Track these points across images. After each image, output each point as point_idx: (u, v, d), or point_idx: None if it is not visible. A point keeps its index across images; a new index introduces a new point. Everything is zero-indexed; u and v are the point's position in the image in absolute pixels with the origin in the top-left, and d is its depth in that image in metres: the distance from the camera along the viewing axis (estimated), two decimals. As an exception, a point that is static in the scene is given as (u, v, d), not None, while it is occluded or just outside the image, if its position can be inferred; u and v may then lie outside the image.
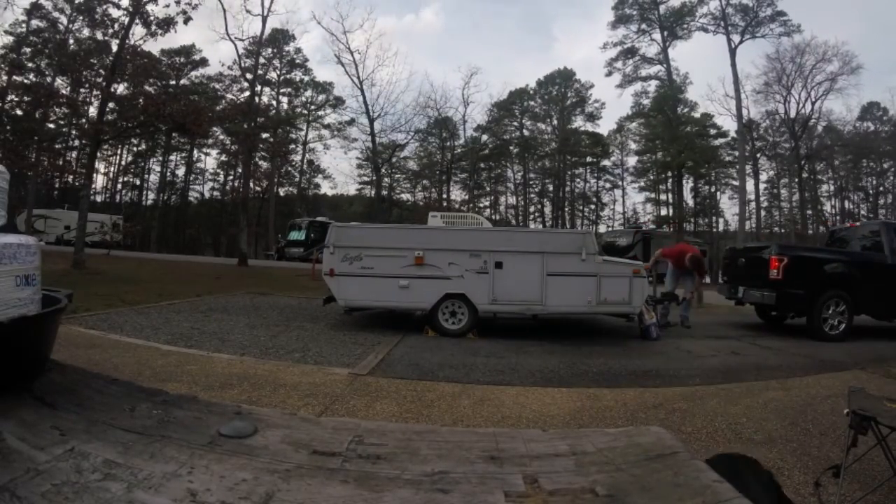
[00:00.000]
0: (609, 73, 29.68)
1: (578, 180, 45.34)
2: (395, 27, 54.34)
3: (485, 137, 41.09)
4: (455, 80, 63.06)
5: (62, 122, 27.11)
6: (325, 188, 44.80)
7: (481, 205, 41.89)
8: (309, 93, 38.83)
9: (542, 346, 5.75)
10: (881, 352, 6.03)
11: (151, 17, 13.04)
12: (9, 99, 25.04)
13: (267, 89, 33.96)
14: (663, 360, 5.20)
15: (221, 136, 29.85)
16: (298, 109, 38.77)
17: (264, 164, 27.85)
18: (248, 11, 21.26)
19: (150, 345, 4.78)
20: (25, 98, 23.23)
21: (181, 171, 44.53)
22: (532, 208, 44.59)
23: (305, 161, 40.99)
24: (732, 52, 25.03)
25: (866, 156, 36.67)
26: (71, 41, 21.79)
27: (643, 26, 27.57)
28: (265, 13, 21.37)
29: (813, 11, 51.27)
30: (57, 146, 27.46)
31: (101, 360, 3.95)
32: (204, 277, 13.33)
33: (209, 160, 43.49)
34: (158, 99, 13.58)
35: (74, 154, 35.09)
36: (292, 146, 37.57)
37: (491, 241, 6.21)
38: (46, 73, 25.94)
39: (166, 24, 13.13)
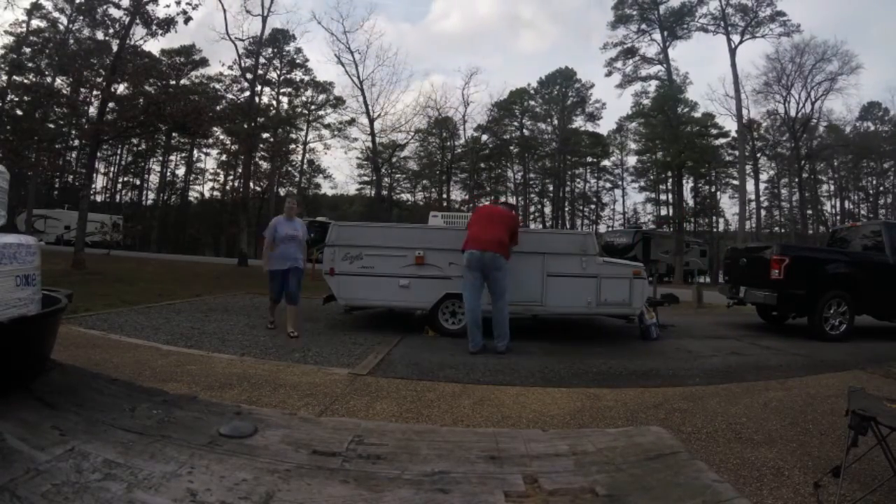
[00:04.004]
0: (609, 74, 29.71)
1: (578, 180, 45.36)
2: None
3: (485, 137, 41.05)
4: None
5: (62, 122, 27.10)
6: (325, 188, 44.83)
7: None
8: (309, 93, 38.82)
9: (542, 346, 5.74)
10: (881, 352, 6.02)
11: (152, 17, 13.05)
12: (9, 99, 25.07)
13: (267, 89, 33.98)
14: (663, 360, 5.20)
15: (221, 136, 29.80)
16: (298, 109, 38.74)
17: (264, 164, 27.81)
18: (248, 12, 21.26)
19: (150, 345, 4.77)
20: (25, 98, 23.25)
21: (181, 171, 44.60)
22: (532, 208, 44.59)
23: (305, 161, 41.00)
24: (732, 52, 25.06)
25: (866, 156, 36.66)
26: (71, 41, 21.79)
27: (643, 26, 27.57)
28: (265, 13, 21.37)
29: (813, 9, 51.19)
30: (57, 146, 27.42)
31: (101, 360, 3.94)
32: (204, 277, 13.33)
33: (209, 160, 43.52)
34: (158, 98, 13.59)
35: (74, 154, 35.13)
36: (292, 146, 37.52)
37: None
38: (46, 73, 25.94)
39: (166, 24, 13.14)
